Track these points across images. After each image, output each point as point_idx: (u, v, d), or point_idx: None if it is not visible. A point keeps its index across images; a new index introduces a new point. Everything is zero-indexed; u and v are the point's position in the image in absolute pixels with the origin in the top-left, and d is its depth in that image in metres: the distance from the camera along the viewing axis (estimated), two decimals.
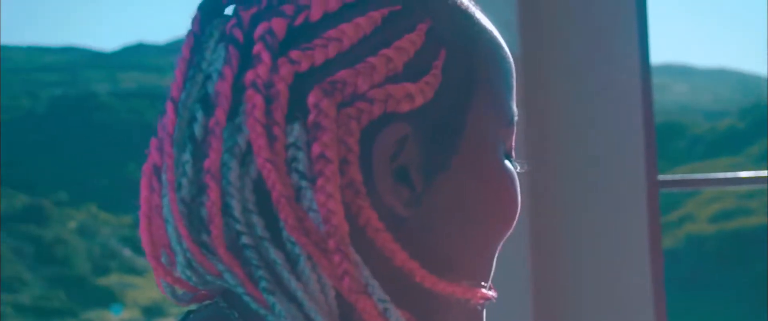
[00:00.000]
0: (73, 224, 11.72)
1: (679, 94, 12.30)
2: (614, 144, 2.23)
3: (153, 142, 0.70)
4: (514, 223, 0.74)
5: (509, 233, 0.74)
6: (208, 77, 0.68)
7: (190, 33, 0.70)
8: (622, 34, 2.20)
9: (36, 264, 11.15)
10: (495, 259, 0.74)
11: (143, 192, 0.70)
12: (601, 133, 2.22)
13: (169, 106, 0.69)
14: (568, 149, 2.17)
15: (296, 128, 0.66)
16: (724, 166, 11.06)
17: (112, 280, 11.27)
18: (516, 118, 0.75)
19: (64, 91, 12.83)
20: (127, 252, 11.52)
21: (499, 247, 0.74)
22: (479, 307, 0.73)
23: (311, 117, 0.65)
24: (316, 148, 0.65)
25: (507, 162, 0.74)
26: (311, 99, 0.65)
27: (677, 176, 2.61)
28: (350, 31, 0.67)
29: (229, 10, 0.72)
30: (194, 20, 0.70)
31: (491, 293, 0.73)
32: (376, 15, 0.68)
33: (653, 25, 2.27)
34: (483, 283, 0.73)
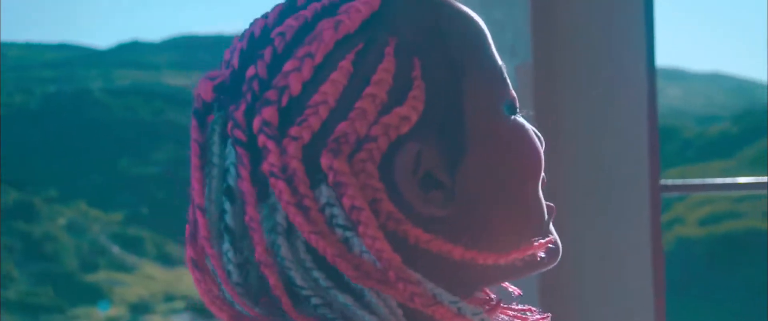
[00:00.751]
0: (62, 221, 11.68)
1: (672, 97, 12.32)
2: (620, 149, 2.28)
3: (187, 234, 0.75)
4: (542, 163, 0.79)
5: (542, 173, 0.79)
6: (226, 171, 0.73)
7: (193, 141, 0.75)
8: (630, 42, 2.25)
9: (24, 260, 11.11)
10: (542, 199, 0.80)
11: (194, 281, 0.76)
12: (607, 138, 2.26)
13: (197, 214, 0.74)
14: (577, 153, 2.21)
15: (323, 190, 0.71)
16: (715, 170, 11.07)
17: (100, 276, 11.22)
18: (505, 69, 0.79)
19: (59, 87, 12.79)
20: (115, 249, 11.47)
21: (540, 188, 0.79)
22: (544, 255, 0.79)
23: (330, 178, 0.71)
24: (346, 202, 0.70)
25: (511, 116, 0.78)
26: (324, 163, 0.71)
27: (679, 181, 2.63)
28: (331, 89, 0.72)
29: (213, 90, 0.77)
30: (192, 128, 0.75)
31: (547, 239, 0.79)
32: (346, 64, 0.72)
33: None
34: (539, 233, 0.79)
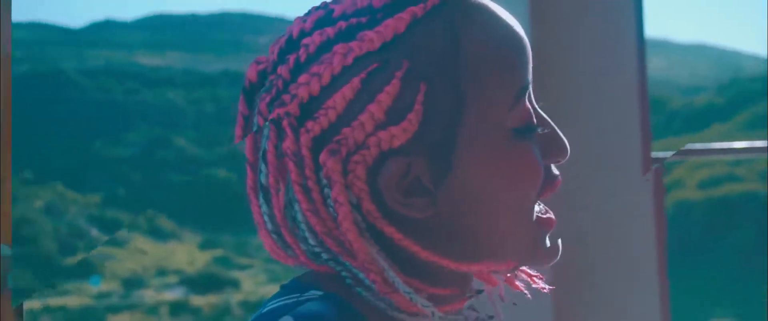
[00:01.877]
0: (39, 203, 11.60)
1: (657, 69, 12.28)
2: (613, 124, 2.43)
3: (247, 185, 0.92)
4: (537, 185, 0.88)
5: (537, 192, 0.89)
6: (266, 138, 0.88)
7: (240, 113, 0.91)
8: (621, 18, 2.41)
9: None
10: (529, 220, 0.89)
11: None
12: (602, 113, 2.41)
13: (247, 167, 0.91)
14: (573, 130, 2.29)
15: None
16: (700, 141, 11.06)
17: (79, 260, 11.20)
18: (528, 89, 0.88)
19: (31, 67, 12.66)
20: (94, 231, 11.43)
21: (529, 209, 0.89)
22: (536, 257, 0.91)
23: (324, 172, 0.86)
24: (333, 194, 0.86)
25: (519, 139, 0.88)
26: (321, 158, 0.86)
27: (667, 153, 2.65)
28: (340, 99, 0.86)
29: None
30: (240, 103, 0.91)
31: (506, 268, 0.90)
32: (356, 80, 0.85)
33: None
34: (521, 249, 0.90)
